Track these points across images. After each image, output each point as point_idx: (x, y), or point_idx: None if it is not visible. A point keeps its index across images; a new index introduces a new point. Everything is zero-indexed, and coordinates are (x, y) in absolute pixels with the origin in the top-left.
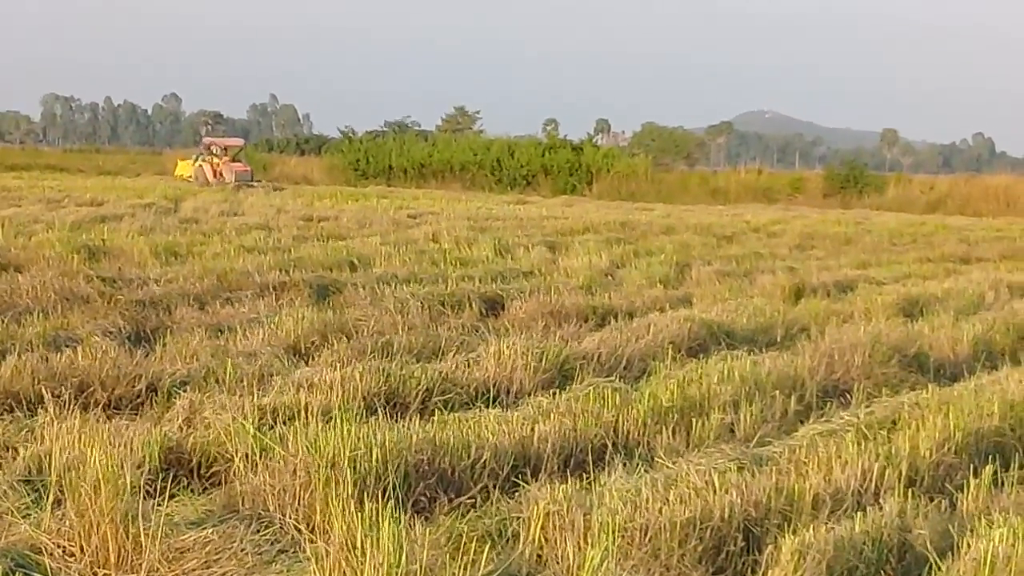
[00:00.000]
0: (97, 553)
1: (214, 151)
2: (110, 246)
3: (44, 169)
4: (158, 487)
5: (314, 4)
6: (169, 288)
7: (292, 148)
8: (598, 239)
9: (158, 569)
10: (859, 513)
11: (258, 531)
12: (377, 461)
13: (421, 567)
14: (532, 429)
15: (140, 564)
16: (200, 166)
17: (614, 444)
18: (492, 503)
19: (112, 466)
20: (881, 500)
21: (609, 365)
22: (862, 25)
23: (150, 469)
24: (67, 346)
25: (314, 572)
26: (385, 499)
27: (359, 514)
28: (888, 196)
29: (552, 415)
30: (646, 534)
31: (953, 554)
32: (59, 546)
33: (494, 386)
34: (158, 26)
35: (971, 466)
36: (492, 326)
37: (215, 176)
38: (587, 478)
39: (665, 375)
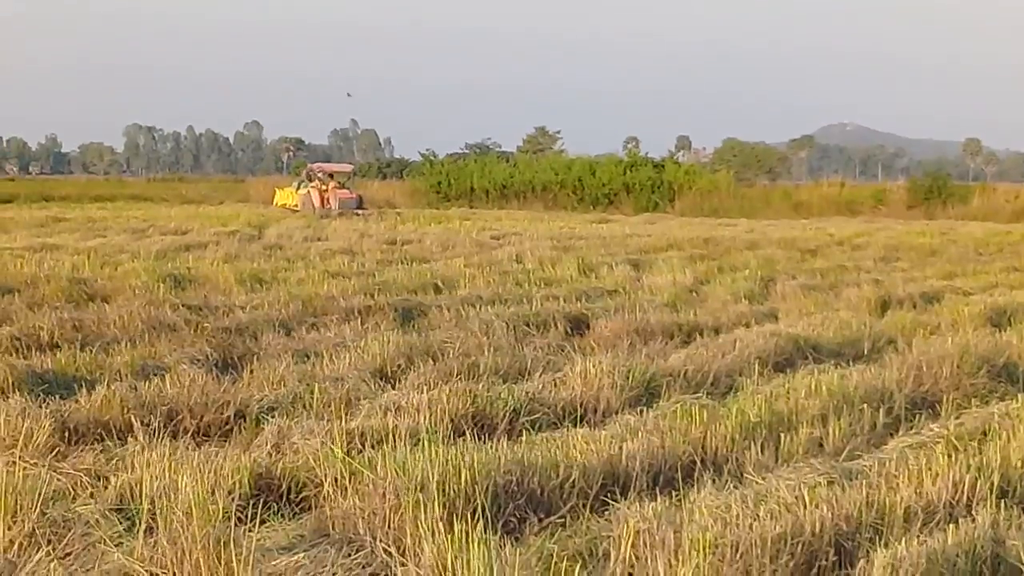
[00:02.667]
0: None
1: (320, 177)
2: (195, 274)
3: (128, 199)
4: (248, 513)
5: (391, 32)
6: (255, 315)
7: (374, 172)
8: (682, 256)
9: None
10: (951, 525)
11: (349, 555)
12: (466, 483)
13: None
14: (620, 447)
15: None
16: (308, 193)
17: (703, 460)
18: (582, 522)
19: (202, 493)
20: (973, 512)
21: (696, 382)
22: (941, 36)
23: (240, 495)
24: (155, 374)
25: None
26: (474, 521)
27: (449, 536)
28: (973, 206)
29: (640, 433)
30: (737, 551)
31: None
32: (152, 573)
33: (581, 405)
34: (238, 54)
35: None
36: (577, 345)
37: (323, 204)
38: (676, 495)
39: (752, 390)
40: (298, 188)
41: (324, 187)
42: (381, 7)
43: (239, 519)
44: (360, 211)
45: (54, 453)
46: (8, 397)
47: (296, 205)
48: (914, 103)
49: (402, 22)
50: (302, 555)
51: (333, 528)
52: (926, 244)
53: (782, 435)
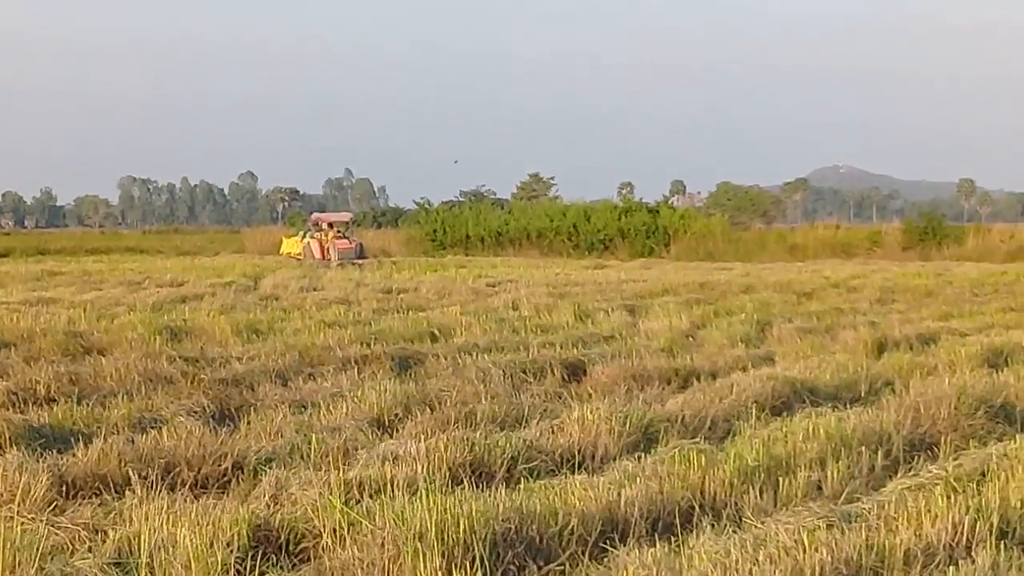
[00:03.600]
0: None
1: (323, 227)
2: (192, 326)
3: (124, 251)
4: (247, 565)
5: (385, 78)
6: (251, 366)
7: (369, 221)
8: (678, 300)
9: None
10: (951, 567)
11: None
12: (464, 531)
13: None
14: (619, 494)
15: None
16: (308, 243)
17: (701, 506)
18: (581, 569)
19: (201, 546)
20: (973, 553)
21: (693, 427)
22: (934, 76)
23: (239, 547)
24: (152, 427)
25: None
26: (473, 570)
27: None
28: (968, 247)
29: (638, 479)
30: None
31: None
32: None
33: (579, 452)
34: (232, 105)
35: None
36: (575, 392)
37: (323, 255)
38: (675, 541)
39: (750, 434)
40: (303, 237)
41: (325, 237)
42: (372, 51)
43: (238, 571)
44: (360, 261)
45: (52, 507)
46: (5, 452)
47: (300, 254)
48: (908, 145)
49: (397, 63)
50: None
51: None
52: (922, 285)
53: (780, 479)
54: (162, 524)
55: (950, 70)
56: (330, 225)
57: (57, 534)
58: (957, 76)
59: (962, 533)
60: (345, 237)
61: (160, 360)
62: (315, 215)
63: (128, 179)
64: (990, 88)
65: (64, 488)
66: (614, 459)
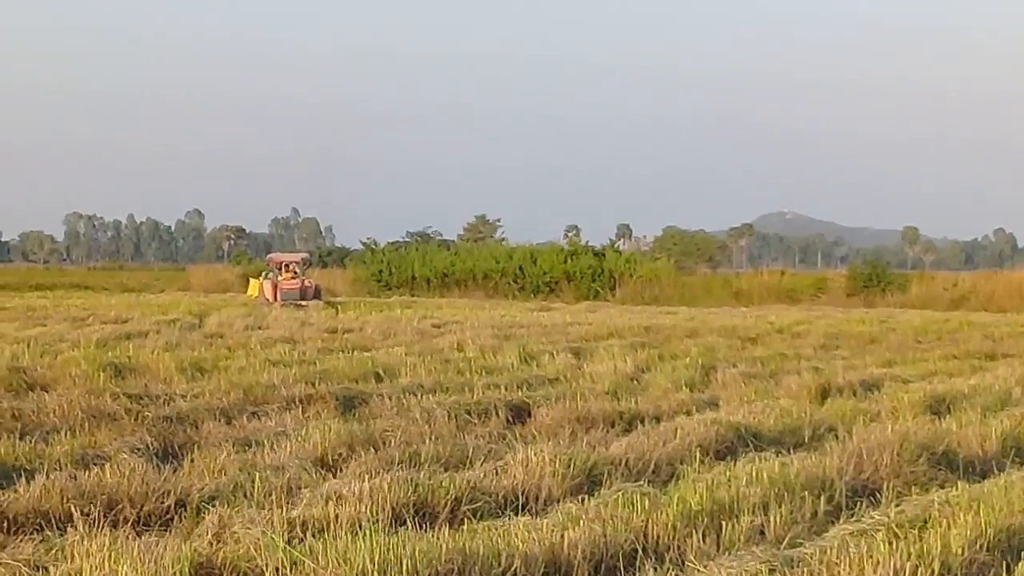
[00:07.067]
0: None
1: (281, 268)
2: (136, 363)
3: (68, 288)
4: None
5: (333, 118)
6: (195, 403)
7: (315, 261)
8: (623, 344)
9: None
10: None
11: None
12: (407, 572)
13: None
14: (562, 536)
15: None
16: (263, 284)
17: (644, 549)
18: None
19: None
20: None
21: (637, 470)
22: (878, 127)
23: None
24: (95, 464)
25: None
26: None
27: None
28: (911, 294)
29: (581, 521)
30: None
31: None
32: None
33: (523, 493)
34: (179, 143)
35: (1004, 563)
36: (519, 433)
37: (274, 295)
38: None
39: (694, 478)
40: (262, 278)
41: (281, 278)
42: (318, 86)
43: None
44: (302, 303)
45: None
46: None
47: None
48: (852, 192)
49: (344, 104)
50: None
51: None
52: (865, 332)
53: (724, 523)
54: (104, 561)
55: (894, 121)
56: (286, 266)
57: None
58: (901, 127)
59: None
60: (296, 277)
61: (104, 397)
62: (271, 255)
63: (74, 215)
64: (935, 139)
65: (5, 524)
66: (558, 501)
